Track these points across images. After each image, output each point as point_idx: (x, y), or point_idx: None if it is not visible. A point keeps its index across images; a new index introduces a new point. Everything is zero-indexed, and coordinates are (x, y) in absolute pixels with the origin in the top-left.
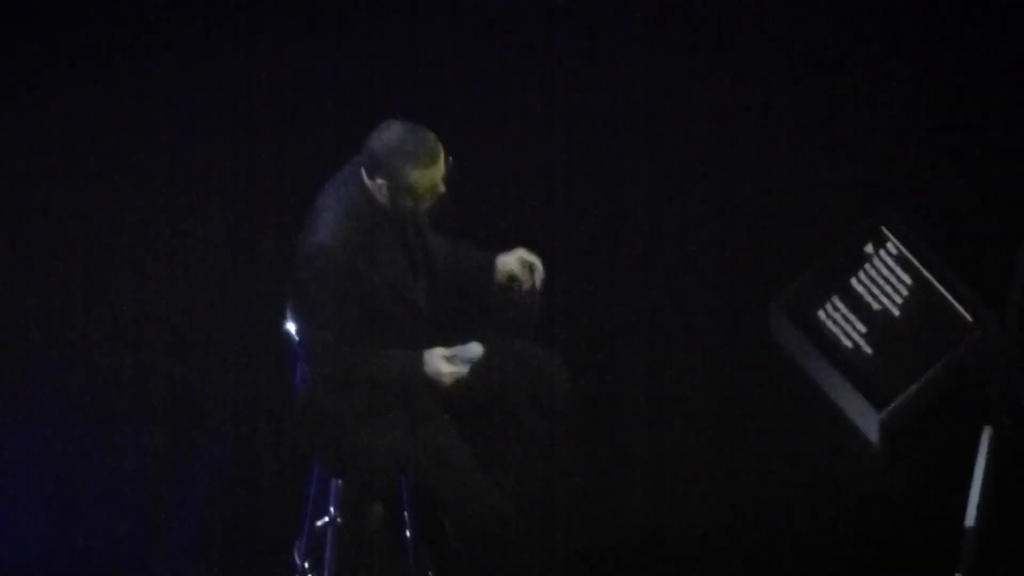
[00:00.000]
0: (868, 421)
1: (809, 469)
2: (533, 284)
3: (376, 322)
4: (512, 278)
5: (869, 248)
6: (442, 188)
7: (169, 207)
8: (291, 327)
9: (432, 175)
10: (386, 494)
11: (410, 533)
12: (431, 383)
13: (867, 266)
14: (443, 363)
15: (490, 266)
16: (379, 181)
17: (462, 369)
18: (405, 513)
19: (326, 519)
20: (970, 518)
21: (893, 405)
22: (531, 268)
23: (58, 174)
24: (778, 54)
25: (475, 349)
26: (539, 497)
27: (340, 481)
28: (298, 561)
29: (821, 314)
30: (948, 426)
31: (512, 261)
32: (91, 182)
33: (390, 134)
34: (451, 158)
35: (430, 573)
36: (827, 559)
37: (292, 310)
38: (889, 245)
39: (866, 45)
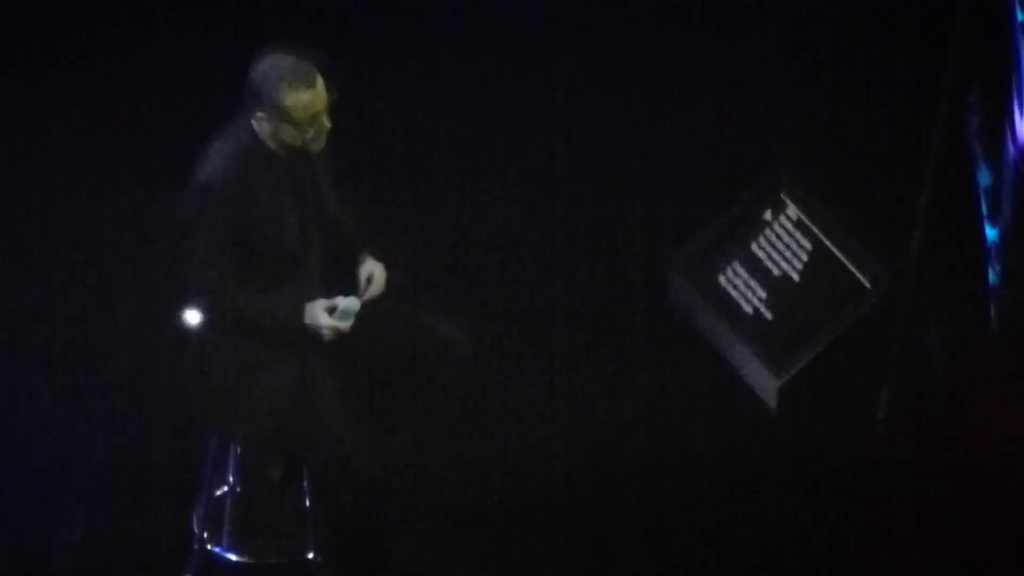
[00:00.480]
0: (767, 387)
1: (706, 431)
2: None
3: (254, 265)
4: (368, 279)
5: (768, 215)
6: (326, 122)
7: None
8: None
9: (310, 99)
10: (282, 453)
11: (309, 500)
12: (311, 334)
13: (767, 231)
14: (322, 315)
15: (357, 258)
16: (259, 114)
17: (342, 323)
18: (305, 482)
19: (225, 488)
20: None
21: (790, 372)
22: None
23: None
24: (677, 25)
25: (353, 303)
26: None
27: (239, 450)
28: (196, 530)
29: (722, 277)
30: (846, 387)
31: (372, 267)
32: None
33: (265, 61)
34: (336, 92)
35: (330, 540)
36: (724, 512)
37: (179, 257)
38: (788, 211)
39: (764, 15)
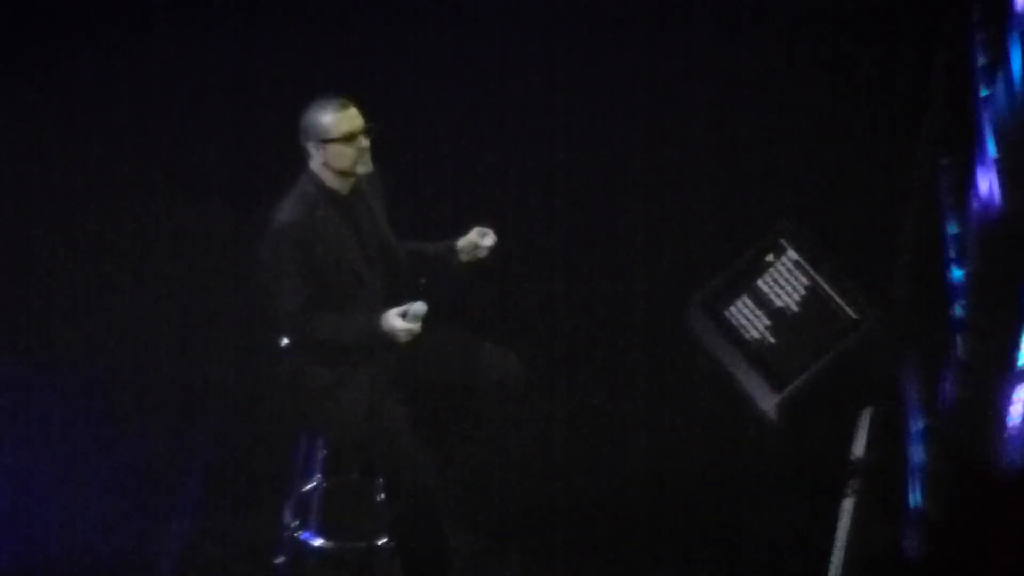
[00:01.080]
0: (767, 401)
1: (718, 441)
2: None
3: (328, 290)
4: (474, 245)
5: (771, 257)
6: (365, 142)
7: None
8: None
9: (348, 119)
10: (359, 458)
11: (384, 494)
12: (388, 341)
13: (770, 271)
14: (396, 320)
15: (452, 247)
16: (311, 149)
17: (414, 325)
18: (381, 479)
19: (313, 483)
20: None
21: (789, 389)
22: (485, 235)
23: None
24: (690, 82)
25: (421, 307)
26: (484, 472)
27: (324, 452)
28: (288, 518)
29: (729, 312)
30: (836, 405)
31: (470, 235)
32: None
33: (309, 105)
34: (372, 124)
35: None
36: (730, 512)
37: (260, 292)
38: (788, 253)
39: (769, 90)
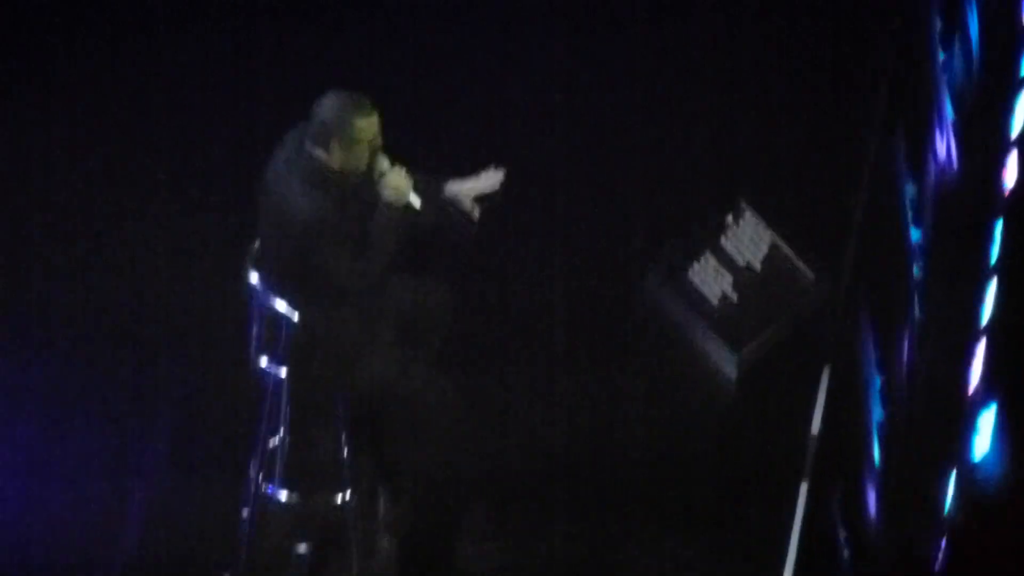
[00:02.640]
0: (727, 360)
1: (679, 401)
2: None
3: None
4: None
5: (730, 219)
6: (379, 138)
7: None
8: (254, 278)
9: (374, 122)
10: (328, 416)
11: (347, 451)
12: (401, 199)
13: (728, 233)
14: (391, 178)
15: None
16: (332, 144)
17: (396, 170)
18: (344, 435)
19: (277, 438)
20: (815, 429)
21: (747, 349)
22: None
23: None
24: (652, 53)
25: (380, 160)
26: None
27: (289, 407)
28: (252, 473)
29: (690, 273)
30: (794, 365)
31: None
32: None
33: (334, 99)
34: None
35: (363, 484)
36: (694, 472)
37: (288, 273)
38: (747, 215)
39: (731, 67)
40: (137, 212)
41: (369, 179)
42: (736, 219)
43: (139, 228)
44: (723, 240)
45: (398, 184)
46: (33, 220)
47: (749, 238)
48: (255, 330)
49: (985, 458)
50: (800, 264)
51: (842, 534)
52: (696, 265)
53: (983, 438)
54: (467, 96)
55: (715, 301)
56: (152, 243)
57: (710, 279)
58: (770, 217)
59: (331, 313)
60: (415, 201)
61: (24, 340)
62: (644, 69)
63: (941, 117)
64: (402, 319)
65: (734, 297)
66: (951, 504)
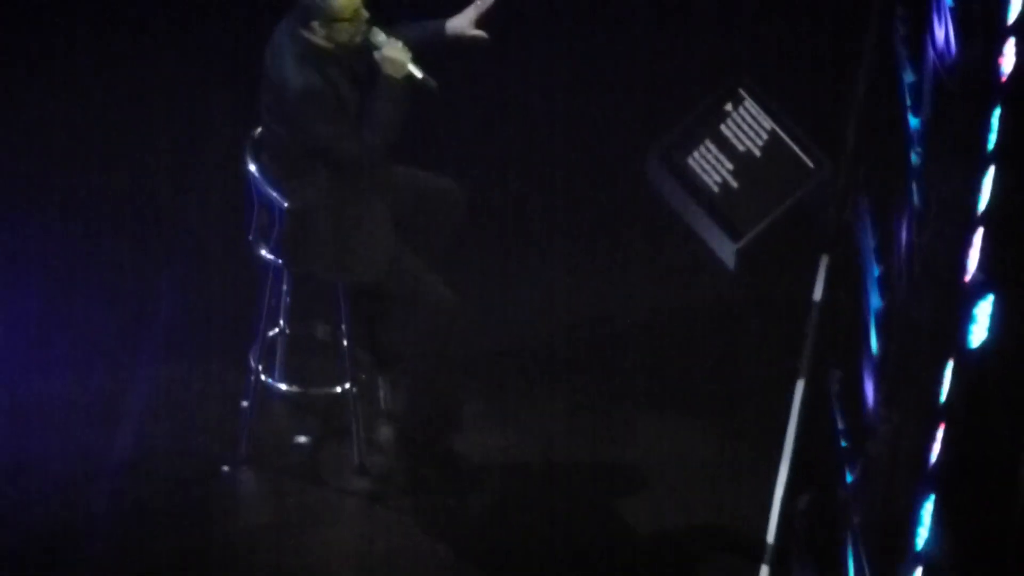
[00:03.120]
0: (726, 250)
1: (678, 287)
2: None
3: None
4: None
5: (729, 106)
6: (365, 13)
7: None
8: (259, 176)
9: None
10: (328, 307)
11: (347, 342)
12: (401, 70)
13: (727, 121)
14: (387, 51)
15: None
16: (313, 23)
17: (392, 42)
18: (343, 326)
19: (276, 330)
20: (813, 317)
21: (746, 237)
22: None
23: None
24: None
25: (375, 32)
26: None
27: (289, 298)
28: (253, 364)
29: (690, 160)
30: (793, 253)
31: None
32: None
33: None
34: None
35: (363, 375)
36: (693, 359)
37: (284, 152)
38: (746, 103)
39: None
40: (139, 97)
41: (367, 53)
42: (736, 106)
43: (140, 113)
44: (722, 128)
45: (394, 57)
46: (32, 95)
47: (748, 126)
48: (254, 219)
49: (982, 346)
50: (799, 152)
51: (840, 423)
52: (696, 152)
53: (980, 326)
54: None
55: (715, 189)
56: (155, 127)
57: (709, 167)
58: (769, 105)
59: (323, 201)
60: (416, 72)
61: (23, 227)
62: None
63: (940, 3)
64: (403, 214)
65: (733, 185)
66: (948, 392)
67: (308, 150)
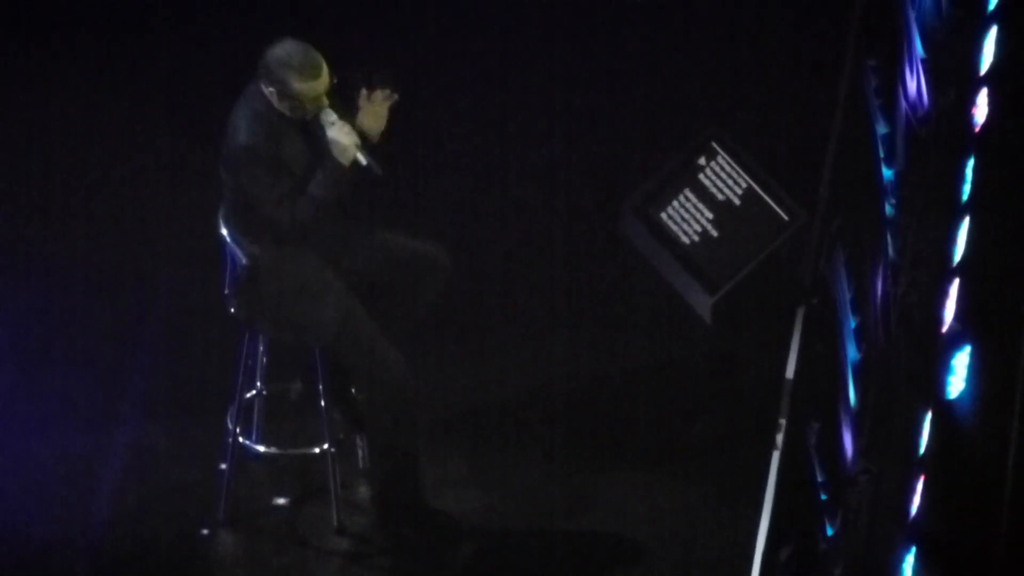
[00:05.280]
0: (702, 303)
1: (656, 340)
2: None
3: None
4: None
5: (702, 160)
6: (325, 101)
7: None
8: (224, 232)
9: (314, 87)
10: (305, 368)
11: (324, 402)
12: (346, 155)
13: (700, 175)
14: (333, 133)
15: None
16: (270, 89)
17: (341, 126)
18: (320, 387)
19: (254, 391)
20: (789, 372)
21: (722, 290)
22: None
23: None
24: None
25: (326, 114)
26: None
27: (266, 359)
28: (230, 426)
29: (664, 214)
30: (770, 305)
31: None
32: None
33: (281, 50)
34: (335, 77)
35: (341, 435)
36: (671, 411)
37: (235, 207)
38: (719, 158)
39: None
40: (120, 157)
41: (320, 127)
42: (709, 160)
43: (121, 173)
44: (696, 181)
45: (342, 142)
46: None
47: (722, 179)
48: (227, 279)
49: (960, 397)
50: (773, 204)
51: (819, 475)
52: (670, 206)
53: (958, 377)
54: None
55: (689, 242)
56: (135, 187)
57: (684, 220)
58: (743, 158)
59: (269, 260)
60: (361, 159)
61: None
62: (616, 8)
63: (911, 54)
64: (375, 278)
65: (708, 238)
66: (926, 443)
67: (250, 207)
